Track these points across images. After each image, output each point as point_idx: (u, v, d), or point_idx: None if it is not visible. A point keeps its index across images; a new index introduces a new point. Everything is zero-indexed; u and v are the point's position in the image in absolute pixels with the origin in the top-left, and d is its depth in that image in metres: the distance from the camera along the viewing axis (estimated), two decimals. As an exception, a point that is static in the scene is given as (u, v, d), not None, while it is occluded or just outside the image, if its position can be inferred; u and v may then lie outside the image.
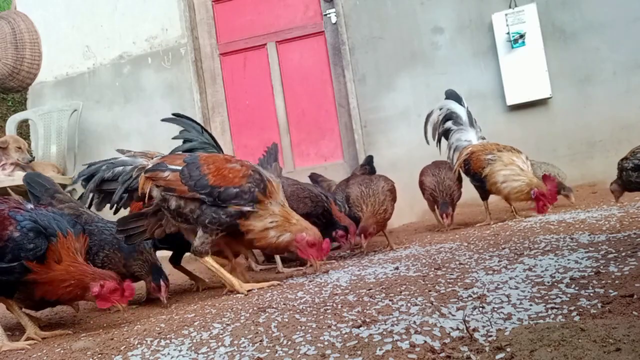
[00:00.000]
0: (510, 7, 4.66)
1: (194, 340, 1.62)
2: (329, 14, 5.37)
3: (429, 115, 3.98)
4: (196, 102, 5.50)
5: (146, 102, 5.68)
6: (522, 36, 4.58)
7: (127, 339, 1.81)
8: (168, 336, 1.73)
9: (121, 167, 2.39)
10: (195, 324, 1.83)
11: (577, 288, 1.54)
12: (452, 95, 3.95)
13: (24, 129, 5.99)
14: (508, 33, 4.62)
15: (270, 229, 2.26)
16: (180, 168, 2.31)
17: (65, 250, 1.99)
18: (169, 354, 1.54)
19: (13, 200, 2.14)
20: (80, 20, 5.89)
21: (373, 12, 5.14)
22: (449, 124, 3.84)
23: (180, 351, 1.55)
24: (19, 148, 4.44)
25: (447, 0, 4.93)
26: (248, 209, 2.24)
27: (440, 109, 3.90)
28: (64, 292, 1.99)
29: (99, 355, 1.68)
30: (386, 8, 5.09)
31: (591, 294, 1.47)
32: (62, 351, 1.82)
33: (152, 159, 2.43)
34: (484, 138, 3.77)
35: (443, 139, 3.91)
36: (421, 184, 3.65)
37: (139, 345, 1.69)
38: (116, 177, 2.38)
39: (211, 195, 2.25)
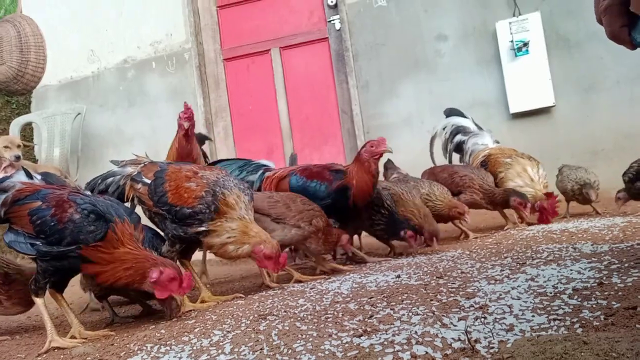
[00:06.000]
0: (514, 16, 4.68)
1: (194, 348, 1.61)
2: (333, 20, 5.38)
3: (433, 138, 4.02)
4: (199, 106, 5.52)
5: (150, 107, 5.70)
6: (525, 44, 4.59)
7: (127, 345, 1.80)
8: (168, 342, 1.73)
9: (111, 179, 2.56)
10: (196, 330, 1.82)
11: (579, 299, 1.53)
12: (452, 112, 3.99)
13: (27, 132, 6.00)
14: (512, 41, 4.62)
15: (228, 244, 2.29)
16: (149, 182, 2.39)
17: (126, 235, 1.97)
18: (168, 360, 1.54)
19: (71, 187, 2.14)
20: (85, 25, 5.92)
21: (377, 19, 5.15)
22: (459, 136, 3.87)
23: (180, 358, 1.54)
24: (7, 147, 4.31)
25: (451, 8, 4.94)
26: (203, 229, 2.28)
27: (444, 128, 3.94)
28: (123, 275, 1.96)
29: (99, 361, 1.68)
30: (390, 15, 5.10)
31: (594, 306, 1.46)
32: (62, 356, 1.82)
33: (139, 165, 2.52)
34: (498, 141, 3.79)
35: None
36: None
37: (138, 352, 1.69)
38: (108, 188, 2.55)
39: (170, 212, 2.32)
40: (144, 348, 1.71)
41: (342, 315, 1.71)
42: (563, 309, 1.46)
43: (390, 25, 5.11)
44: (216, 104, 5.68)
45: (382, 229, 3.02)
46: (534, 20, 4.61)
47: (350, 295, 2.01)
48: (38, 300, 2.02)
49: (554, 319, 1.38)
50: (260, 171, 3.07)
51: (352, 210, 2.87)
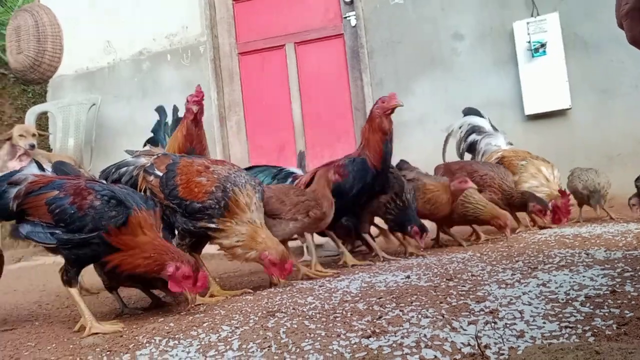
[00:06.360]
0: (532, 16, 4.62)
1: (202, 343, 1.62)
2: (349, 16, 5.36)
3: (448, 136, 4.00)
4: (213, 100, 5.53)
5: (164, 99, 5.69)
6: (543, 45, 4.54)
7: (136, 337, 1.81)
8: (176, 336, 1.73)
9: (124, 168, 2.55)
10: (204, 325, 1.83)
11: (592, 307, 1.51)
12: (470, 111, 3.97)
13: (43, 121, 6.06)
14: (529, 42, 4.57)
15: (237, 247, 2.30)
16: (161, 174, 2.39)
17: (147, 224, 1.98)
18: (177, 355, 1.54)
19: (85, 176, 2.15)
20: (102, 15, 5.96)
21: (393, 16, 5.11)
22: (473, 136, 3.85)
23: (188, 353, 1.54)
24: (22, 136, 4.22)
25: (468, 7, 4.90)
26: (212, 225, 2.29)
27: (460, 127, 3.92)
28: (141, 264, 1.96)
29: (108, 353, 1.69)
30: (407, 13, 5.07)
31: (606, 314, 1.44)
32: (71, 346, 1.84)
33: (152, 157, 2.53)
34: (511, 143, 3.76)
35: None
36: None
37: (147, 345, 1.70)
38: (121, 177, 2.53)
39: (180, 206, 2.33)
40: (153, 341, 1.72)
41: (351, 315, 1.70)
42: (575, 316, 1.45)
43: (406, 23, 5.08)
44: (230, 98, 5.69)
45: (391, 219, 3.03)
46: (552, 20, 4.55)
47: (359, 295, 2.00)
48: (72, 290, 2.04)
49: (566, 327, 1.37)
50: (290, 179, 3.10)
51: (375, 179, 2.84)
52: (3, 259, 2.49)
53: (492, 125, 3.88)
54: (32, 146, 4.18)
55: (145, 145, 3.40)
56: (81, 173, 2.81)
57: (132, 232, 1.96)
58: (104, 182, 2.14)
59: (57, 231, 1.97)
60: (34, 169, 2.15)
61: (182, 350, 1.57)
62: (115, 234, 1.94)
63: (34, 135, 4.31)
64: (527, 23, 4.60)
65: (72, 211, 1.94)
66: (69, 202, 1.95)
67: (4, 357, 1.78)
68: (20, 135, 4.23)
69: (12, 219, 2.11)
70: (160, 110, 3.47)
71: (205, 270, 2.46)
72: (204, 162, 2.43)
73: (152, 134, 3.49)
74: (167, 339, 1.72)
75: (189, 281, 1.97)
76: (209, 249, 2.83)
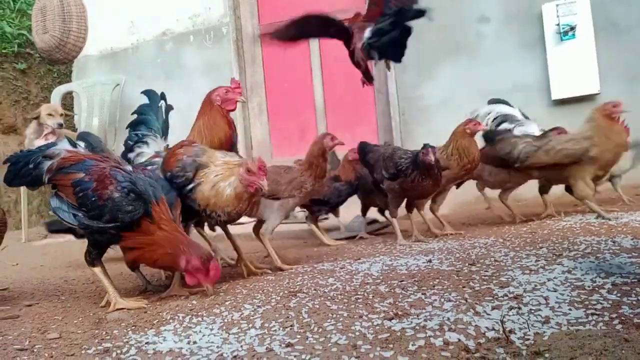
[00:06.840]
0: (562, -2, 4.50)
1: (225, 320, 1.64)
2: (373, -2, 5.28)
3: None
4: (235, 82, 5.51)
5: (186, 80, 5.73)
6: (572, 28, 4.42)
7: (160, 314, 1.84)
8: (199, 314, 1.76)
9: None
10: (227, 303, 1.85)
11: (619, 295, 1.49)
12: (498, 102, 3.89)
13: (68, 101, 6.13)
14: (558, 25, 4.46)
15: (218, 184, 2.17)
16: None
17: (163, 217, 1.98)
18: (200, 331, 1.57)
19: (113, 159, 2.14)
20: (126, -5, 5.95)
21: (418, -2, 5.02)
22: (505, 125, 3.77)
23: (211, 330, 1.57)
24: (50, 115, 4.28)
25: (495, -11, 4.78)
26: (191, 185, 2.19)
27: (488, 114, 3.84)
28: (158, 259, 1.98)
29: (133, 327, 1.72)
30: (432, -6, 4.97)
31: (634, 302, 1.42)
32: (97, 321, 1.88)
33: None
34: (543, 130, 3.71)
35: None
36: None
37: (171, 321, 1.72)
38: None
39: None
40: (176, 317, 1.75)
41: (373, 297, 1.71)
42: (601, 304, 1.43)
43: (430, 5, 4.97)
44: (252, 79, 5.68)
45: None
46: (582, 3, 4.42)
47: (381, 277, 2.00)
48: (95, 270, 2.09)
49: (592, 314, 1.35)
50: None
51: None
52: (6, 227, 2.53)
53: (523, 114, 3.81)
54: (60, 125, 4.26)
55: (127, 128, 3.09)
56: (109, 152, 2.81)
57: (147, 229, 1.96)
58: (129, 168, 2.12)
59: (79, 214, 2.00)
60: (66, 145, 2.18)
61: (206, 327, 1.59)
62: (132, 234, 1.96)
63: (61, 114, 4.38)
64: (557, 5, 4.47)
65: (93, 198, 1.96)
66: (91, 188, 1.97)
67: (32, 330, 1.82)
68: (49, 114, 4.30)
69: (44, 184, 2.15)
70: (152, 94, 3.06)
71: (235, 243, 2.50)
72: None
73: (135, 115, 2.96)
74: (190, 316, 1.75)
75: (201, 273, 1.95)
76: (231, 229, 2.86)
